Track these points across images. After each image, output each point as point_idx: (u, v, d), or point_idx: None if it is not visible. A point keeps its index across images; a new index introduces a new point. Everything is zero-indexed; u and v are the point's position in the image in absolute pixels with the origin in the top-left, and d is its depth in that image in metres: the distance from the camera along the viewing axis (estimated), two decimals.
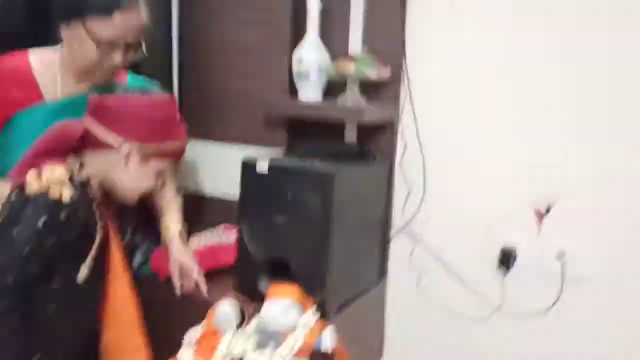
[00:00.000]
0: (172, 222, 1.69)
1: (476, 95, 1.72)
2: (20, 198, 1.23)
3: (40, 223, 1.20)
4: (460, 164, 1.75)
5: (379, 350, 1.93)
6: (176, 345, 1.47)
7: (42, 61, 1.51)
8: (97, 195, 1.35)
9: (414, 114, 1.77)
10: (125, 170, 1.36)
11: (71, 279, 1.28)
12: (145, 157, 1.37)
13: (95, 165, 1.35)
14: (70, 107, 1.49)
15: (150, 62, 1.98)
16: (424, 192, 1.79)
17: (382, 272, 1.86)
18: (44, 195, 1.22)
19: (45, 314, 1.27)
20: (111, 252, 1.41)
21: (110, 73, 1.52)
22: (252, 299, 1.53)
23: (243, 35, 1.92)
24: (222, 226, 1.94)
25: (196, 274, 1.63)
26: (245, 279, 1.60)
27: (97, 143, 1.35)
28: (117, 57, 1.45)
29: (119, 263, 1.43)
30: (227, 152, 1.97)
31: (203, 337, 1.48)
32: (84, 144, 1.35)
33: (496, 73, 1.69)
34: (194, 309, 1.61)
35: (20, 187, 1.24)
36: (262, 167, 1.55)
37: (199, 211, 2.05)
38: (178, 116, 1.46)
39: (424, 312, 1.85)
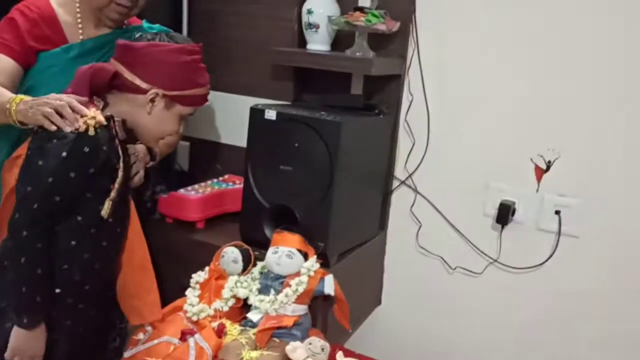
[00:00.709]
0: None
1: (480, 52, 1.72)
2: (48, 131, 1.26)
3: (64, 153, 1.23)
4: (463, 119, 1.77)
5: (377, 299, 2.00)
6: (183, 288, 1.52)
7: (62, 6, 1.55)
8: (121, 134, 1.38)
9: (420, 67, 1.78)
10: (149, 114, 1.38)
11: (95, 214, 1.32)
12: (170, 102, 1.40)
13: (120, 107, 1.38)
14: (92, 50, 1.55)
15: (159, 12, 2.00)
16: (427, 146, 1.81)
17: (382, 224, 1.91)
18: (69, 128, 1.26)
19: (67, 249, 1.32)
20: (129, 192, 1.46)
21: (125, 10, 1.55)
22: (257, 245, 1.58)
23: None
24: (227, 175, 1.98)
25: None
26: (251, 225, 1.64)
27: (124, 85, 1.37)
28: None
29: (130, 205, 1.47)
30: (235, 102, 1.99)
31: (209, 279, 1.54)
32: (111, 85, 1.38)
33: (501, 27, 1.69)
34: (201, 252, 1.67)
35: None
36: (271, 114, 1.58)
37: (207, 159, 2.09)
38: (202, 63, 1.47)
39: (421, 264, 1.90)
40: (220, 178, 1.94)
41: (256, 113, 1.61)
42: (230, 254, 1.53)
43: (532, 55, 1.67)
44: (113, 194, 1.34)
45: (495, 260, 1.78)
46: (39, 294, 1.28)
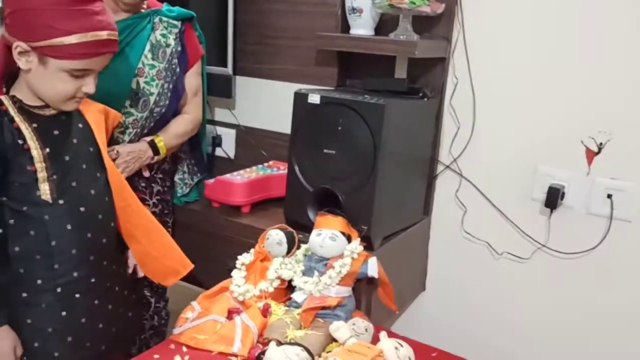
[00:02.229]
0: (160, 133, 1.70)
1: (528, 33, 1.69)
2: None
3: None
4: (510, 102, 1.74)
5: (422, 285, 1.99)
6: (229, 269, 1.55)
7: None
8: (13, 112, 1.29)
9: (466, 50, 1.76)
10: (28, 72, 1.26)
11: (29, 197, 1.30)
12: (41, 56, 1.24)
13: (21, 78, 1.31)
14: None
15: (204, 1, 2.04)
16: (472, 130, 1.79)
17: (427, 208, 1.89)
18: None
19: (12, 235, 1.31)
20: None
21: None
22: (301, 228, 1.60)
23: None
24: (272, 160, 2.01)
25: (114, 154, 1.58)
26: (295, 208, 1.66)
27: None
28: None
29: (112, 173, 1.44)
30: (280, 88, 2.01)
31: (254, 261, 1.57)
32: None
33: (549, 10, 1.65)
34: (246, 236, 1.71)
35: None
36: (314, 98, 1.59)
37: (253, 145, 2.12)
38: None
39: (467, 250, 1.88)
40: (265, 164, 1.98)
41: (300, 97, 1.62)
42: (275, 237, 1.56)
43: (582, 36, 1.62)
44: (41, 173, 1.28)
45: (544, 246, 1.75)
46: None
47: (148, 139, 1.66)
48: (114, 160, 1.51)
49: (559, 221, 1.71)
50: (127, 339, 1.64)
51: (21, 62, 1.24)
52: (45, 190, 1.29)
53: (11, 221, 1.30)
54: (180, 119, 1.76)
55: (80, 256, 1.35)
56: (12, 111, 1.28)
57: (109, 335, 1.45)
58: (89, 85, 1.28)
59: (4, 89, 1.31)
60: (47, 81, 1.25)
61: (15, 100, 1.29)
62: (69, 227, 1.32)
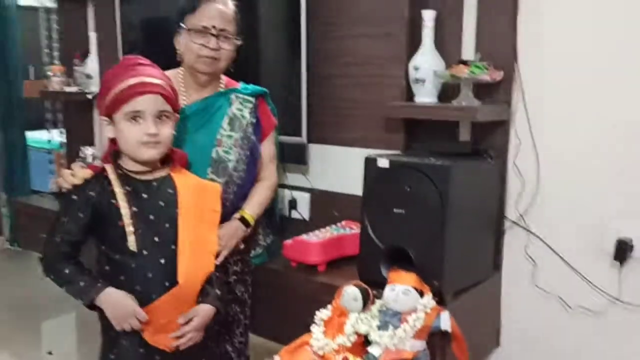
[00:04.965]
0: (245, 206, 1.84)
1: (586, 93, 1.77)
2: None
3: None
4: (573, 159, 1.80)
5: (496, 341, 2.01)
6: (307, 325, 1.64)
7: (171, 77, 1.74)
8: (113, 177, 1.54)
9: (526, 112, 1.85)
10: (114, 137, 1.54)
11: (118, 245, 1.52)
12: (112, 115, 1.52)
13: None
14: (196, 111, 1.79)
15: (282, 78, 2.25)
16: (537, 187, 1.86)
17: (497, 264, 1.95)
18: None
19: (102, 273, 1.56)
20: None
21: (212, 61, 1.75)
22: (374, 284, 1.68)
23: (363, 48, 2.11)
24: (344, 221, 2.13)
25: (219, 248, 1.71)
26: (368, 266, 1.76)
27: None
28: (212, 42, 1.73)
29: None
30: (350, 154, 2.16)
31: (332, 317, 1.66)
32: None
33: (607, 67, 1.73)
34: (323, 293, 1.80)
35: None
36: (384, 162, 1.72)
37: (326, 207, 2.26)
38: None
39: (539, 305, 1.90)
40: (339, 224, 2.10)
41: (370, 162, 1.75)
42: (350, 293, 1.64)
43: (635, 91, 1.69)
44: (128, 228, 1.49)
45: (617, 299, 1.75)
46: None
47: (237, 215, 1.81)
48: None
49: (630, 274, 1.73)
50: None
51: (109, 133, 1.53)
52: (132, 242, 1.50)
53: (107, 267, 1.53)
54: (259, 187, 1.90)
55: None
56: (112, 176, 1.53)
57: None
58: (149, 127, 1.49)
59: (112, 161, 1.57)
60: (121, 137, 1.51)
61: (118, 167, 1.55)
62: (150, 275, 1.52)
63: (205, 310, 1.58)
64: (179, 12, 1.76)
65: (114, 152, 1.56)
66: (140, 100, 1.49)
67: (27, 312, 3.40)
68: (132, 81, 1.49)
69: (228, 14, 1.75)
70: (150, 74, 1.53)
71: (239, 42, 1.78)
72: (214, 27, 1.72)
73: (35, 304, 3.40)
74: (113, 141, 1.56)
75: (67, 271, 1.50)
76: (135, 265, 1.51)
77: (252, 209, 1.85)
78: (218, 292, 1.63)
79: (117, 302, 1.49)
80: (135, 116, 1.49)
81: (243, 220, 1.81)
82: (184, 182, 1.61)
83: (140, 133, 1.50)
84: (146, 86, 1.50)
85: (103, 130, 1.56)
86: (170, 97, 1.55)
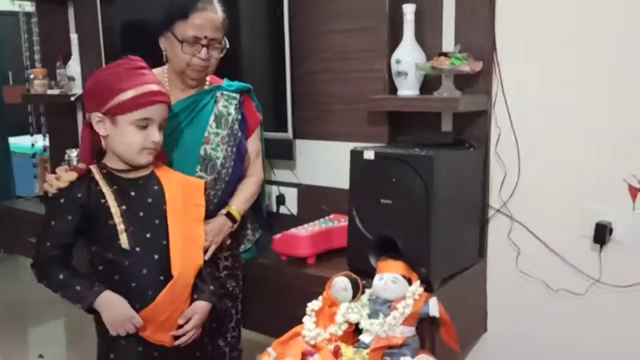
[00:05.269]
0: (231, 202, 1.88)
1: (565, 80, 1.82)
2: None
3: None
4: (552, 145, 1.86)
5: (483, 325, 2.06)
6: (298, 316, 1.66)
7: (157, 76, 1.76)
8: (98, 177, 1.56)
9: (505, 102, 1.90)
10: (107, 137, 1.55)
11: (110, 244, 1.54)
12: (112, 118, 1.52)
13: (108, 150, 1.59)
14: (182, 110, 1.80)
15: (267, 74, 2.27)
16: (519, 175, 1.91)
17: (481, 251, 1.99)
18: None
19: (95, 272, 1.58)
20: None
21: (203, 70, 1.77)
22: (364, 274, 1.71)
23: (345, 43, 2.14)
24: (332, 214, 2.17)
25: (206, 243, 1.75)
26: (357, 256, 1.80)
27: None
28: (202, 53, 1.74)
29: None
30: (336, 148, 2.20)
31: (323, 307, 1.69)
32: None
33: (584, 55, 1.78)
34: (313, 285, 1.83)
35: None
36: (369, 154, 1.75)
37: (314, 201, 2.29)
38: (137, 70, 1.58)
39: (524, 289, 1.96)
40: (327, 217, 2.13)
41: (356, 154, 1.79)
42: (340, 283, 1.68)
43: (619, 83, 1.74)
44: (119, 226, 1.52)
45: (598, 280, 1.81)
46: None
47: (224, 211, 1.84)
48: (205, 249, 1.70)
49: (609, 256, 1.78)
50: None
51: (100, 130, 1.53)
52: (124, 240, 1.52)
53: (100, 267, 1.55)
54: (246, 183, 1.93)
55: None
56: (98, 176, 1.55)
57: None
58: (154, 135, 1.54)
59: (94, 161, 1.59)
60: (120, 138, 1.52)
61: (102, 167, 1.57)
62: (144, 271, 1.54)
63: (203, 307, 1.62)
64: (168, 16, 1.73)
65: (95, 151, 1.58)
66: (152, 109, 1.53)
67: (15, 316, 3.39)
68: (147, 88, 1.51)
69: (218, 22, 1.75)
70: (156, 80, 1.56)
71: (226, 48, 1.79)
72: (205, 37, 1.72)
73: (22, 308, 3.40)
74: (93, 139, 1.56)
75: (61, 276, 1.51)
76: (129, 262, 1.53)
77: (238, 204, 1.88)
78: (212, 287, 1.66)
79: (114, 307, 1.51)
80: (145, 124, 1.52)
81: (229, 215, 1.84)
82: (169, 178, 1.64)
83: (144, 139, 1.53)
84: (158, 95, 1.54)
85: (95, 128, 1.54)
86: (170, 106, 1.59)
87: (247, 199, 1.92)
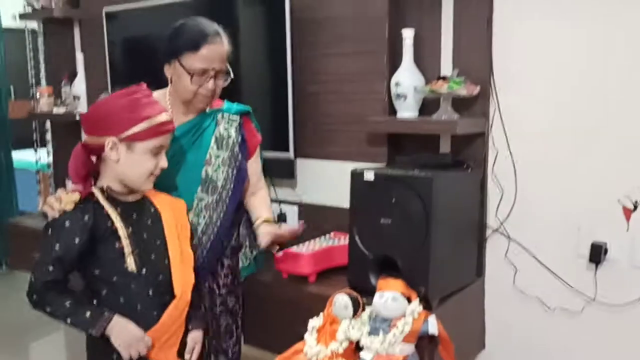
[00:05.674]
0: (262, 212, 1.94)
1: (561, 102, 1.86)
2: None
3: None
4: (548, 167, 1.90)
5: (481, 343, 2.09)
6: (299, 334, 1.69)
7: (157, 98, 1.79)
8: (102, 201, 1.55)
9: (502, 124, 1.95)
10: (118, 162, 1.54)
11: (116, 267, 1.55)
12: (129, 143, 1.54)
13: (107, 172, 1.58)
14: (183, 134, 1.82)
15: (269, 96, 2.32)
16: (515, 195, 1.95)
17: (479, 269, 2.03)
18: None
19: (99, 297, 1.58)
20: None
21: (208, 99, 1.81)
22: (364, 292, 1.74)
23: (346, 66, 2.20)
24: (333, 232, 2.20)
25: (284, 230, 1.87)
26: (358, 275, 1.83)
27: (96, 150, 1.56)
28: (210, 84, 1.77)
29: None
30: (336, 168, 2.24)
31: (324, 324, 1.72)
32: (98, 157, 1.58)
33: (579, 78, 1.83)
34: (314, 303, 1.86)
35: None
36: (369, 175, 1.80)
37: (314, 220, 2.31)
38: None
39: (521, 307, 1.99)
40: (327, 235, 2.17)
41: (357, 175, 1.83)
42: (341, 301, 1.70)
43: (606, 102, 1.78)
44: (127, 249, 1.53)
45: (593, 299, 1.85)
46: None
47: (261, 220, 1.91)
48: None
49: (605, 275, 1.82)
50: None
51: (113, 155, 1.53)
52: (131, 263, 1.53)
53: (104, 291, 1.55)
54: (260, 195, 1.99)
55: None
56: (102, 200, 1.55)
57: None
58: (164, 161, 1.59)
59: (91, 185, 1.60)
60: (135, 163, 1.54)
61: (103, 190, 1.56)
62: (150, 292, 1.57)
63: (200, 336, 1.69)
64: (177, 47, 1.74)
65: (92, 175, 1.59)
66: (165, 137, 1.59)
67: (18, 332, 3.40)
68: (164, 117, 1.57)
69: (225, 53, 1.77)
70: (160, 108, 1.59)
71: (231, 76, 1.82)
72: (213, 68, 1.74)
73: (25, 324, 3.41)
74: (92, 164, 1.57)
75: (67, 303, 1.47)
76: (135, 285, 1.55)
77: (267, 213, 1.95)
78: (201, 308, 1.72)
79: (126, 330, 1.52)
80: (158, 151, 1.57)
81: (269, 222, 1.90)
82: (160, 199, 1.68)
83: (154, 166, 1.57)
84: (170, 124, 1.60)
85: (105, 152, 1.53)
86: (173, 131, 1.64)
87: (270, 207, 1.99)
